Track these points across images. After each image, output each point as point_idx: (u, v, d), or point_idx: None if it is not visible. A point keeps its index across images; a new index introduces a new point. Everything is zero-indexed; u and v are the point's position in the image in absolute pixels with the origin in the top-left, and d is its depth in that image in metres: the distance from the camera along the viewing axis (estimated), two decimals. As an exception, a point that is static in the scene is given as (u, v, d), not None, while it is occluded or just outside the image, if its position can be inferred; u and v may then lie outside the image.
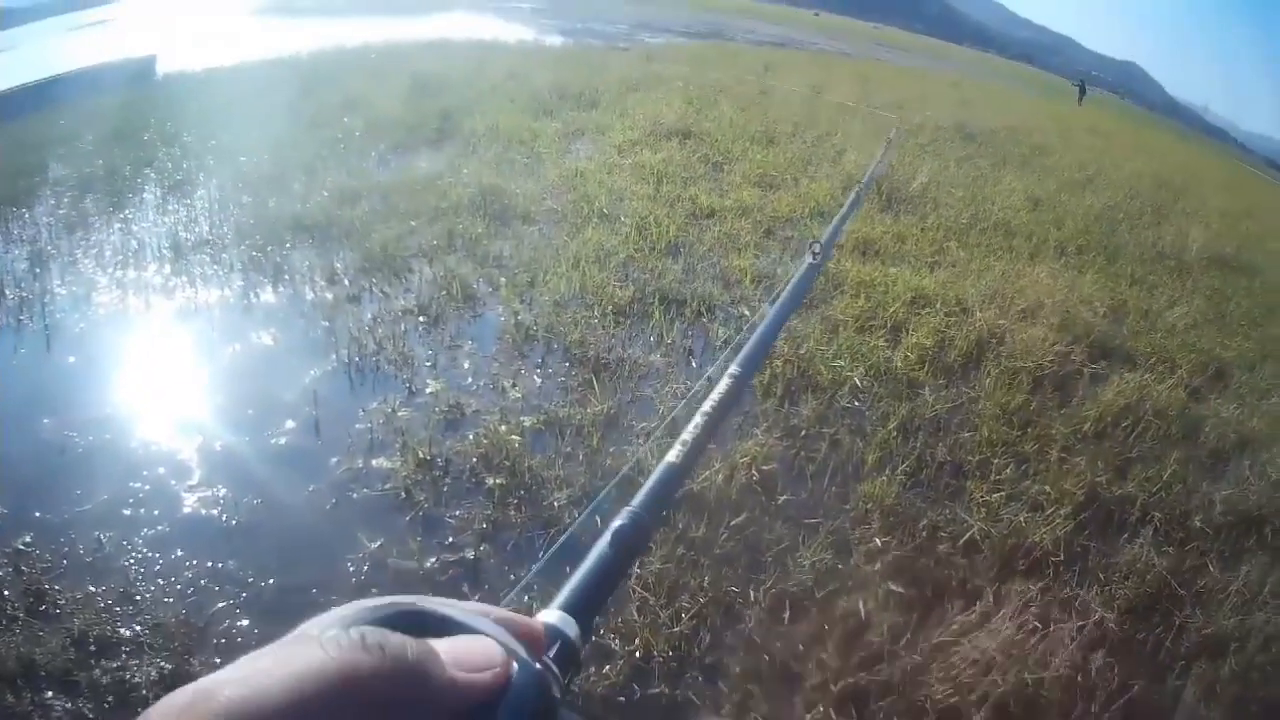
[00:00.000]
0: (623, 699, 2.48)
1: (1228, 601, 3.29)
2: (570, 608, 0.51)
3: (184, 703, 0.24)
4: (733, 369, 0.95)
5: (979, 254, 6.99)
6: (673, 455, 0.75)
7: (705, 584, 2.93)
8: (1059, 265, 7.13)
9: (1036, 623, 2.97)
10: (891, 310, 5.29)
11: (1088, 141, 18.40)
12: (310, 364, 4.21)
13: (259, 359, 4.32)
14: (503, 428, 3.65)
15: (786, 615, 2.85)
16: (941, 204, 8.44)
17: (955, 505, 3.58)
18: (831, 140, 10.96)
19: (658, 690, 2.52)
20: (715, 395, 0.88)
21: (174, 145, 8.19)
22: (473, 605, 0.35)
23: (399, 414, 3.79)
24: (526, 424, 3.75)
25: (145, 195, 6.76)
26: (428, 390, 4.02)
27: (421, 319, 4.74)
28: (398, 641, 0.28)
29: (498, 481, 3.33)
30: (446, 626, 0.33)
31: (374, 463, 3.45)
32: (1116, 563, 3.40)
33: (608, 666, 2.58)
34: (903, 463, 3.77)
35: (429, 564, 2.92)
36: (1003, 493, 3.69)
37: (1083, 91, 42.46)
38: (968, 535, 3.38)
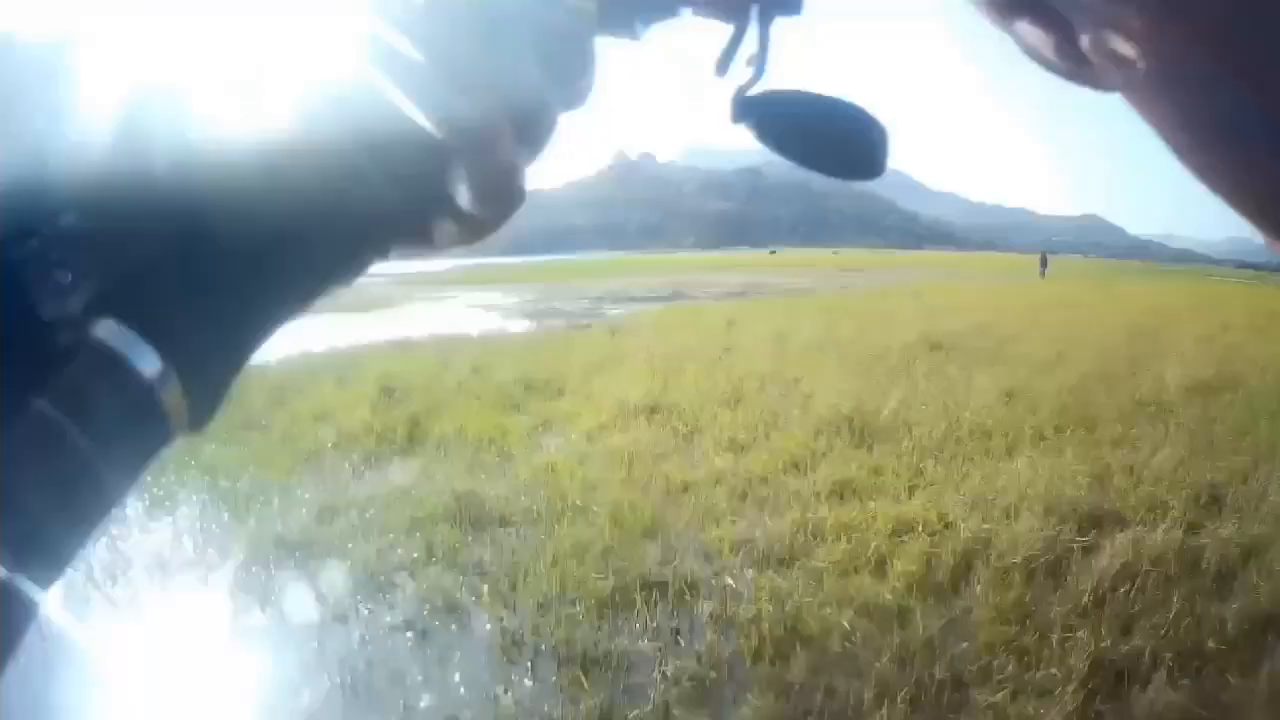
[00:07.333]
0: None
1: (1254, 704, 3.35)
2: None
3: None
4: None
5: (956, 465, 7.31)
6: None
7: None
8: (1037, 452, 7.41)
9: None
10: (873, 547, 5.52)
11: (1055, 316, 19.15)
12: (302, 687, 4.34)
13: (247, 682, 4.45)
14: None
15: None
16: (914, 424, 8.71)
17: (960, 717, 3.69)
18: (800, 386, 11.23)
19: None
20: None
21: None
22: None
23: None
24: (520, 728, 3.93)
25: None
26: (422, 705, 4.17)
27: (409, 634, 4.90)
28: None
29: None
30: None
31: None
32: (1134, 712, 3.48)
33: None
34: (900, 692, 3.89)
35: None
36: (1007, 689, 3.80)
37: (1044, 263, 45.43)
38: (978, 745, 3.48)
